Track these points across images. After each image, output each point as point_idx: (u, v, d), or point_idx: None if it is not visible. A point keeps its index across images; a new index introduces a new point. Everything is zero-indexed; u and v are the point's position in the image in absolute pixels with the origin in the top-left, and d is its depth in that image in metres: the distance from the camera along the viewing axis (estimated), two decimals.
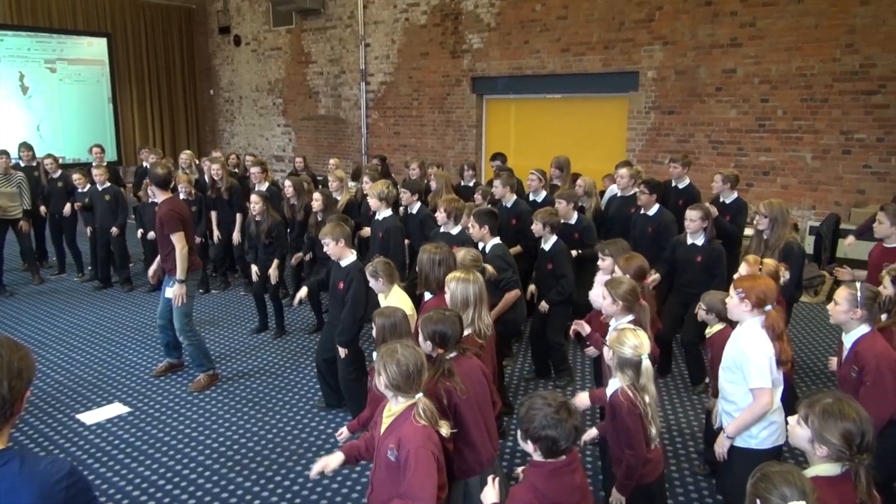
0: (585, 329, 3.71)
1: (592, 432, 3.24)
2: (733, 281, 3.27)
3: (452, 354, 2.90)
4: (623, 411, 2.77)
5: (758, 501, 1.93)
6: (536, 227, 5.06)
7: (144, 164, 8.60)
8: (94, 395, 5.17)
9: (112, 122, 14.14)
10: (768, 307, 3.07)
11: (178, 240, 4.92)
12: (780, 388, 3.10)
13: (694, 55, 8.88)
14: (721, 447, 3.12)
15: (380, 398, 2.85)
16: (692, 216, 5.00)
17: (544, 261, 5.12)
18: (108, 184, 7.71)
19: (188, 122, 15.60)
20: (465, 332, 3.24)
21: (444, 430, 2.53)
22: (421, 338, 2.91)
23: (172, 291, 4.99)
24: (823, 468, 2.14)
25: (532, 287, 5.38)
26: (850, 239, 5.84)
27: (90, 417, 4.80)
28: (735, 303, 3.12)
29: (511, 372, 5.56)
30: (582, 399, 3.27)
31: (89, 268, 8.47)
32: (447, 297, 3.41)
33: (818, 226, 8.06)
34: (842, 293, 3.16)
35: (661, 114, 9.32)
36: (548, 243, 5.06)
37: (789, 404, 3.03)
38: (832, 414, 2.10)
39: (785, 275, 3.89)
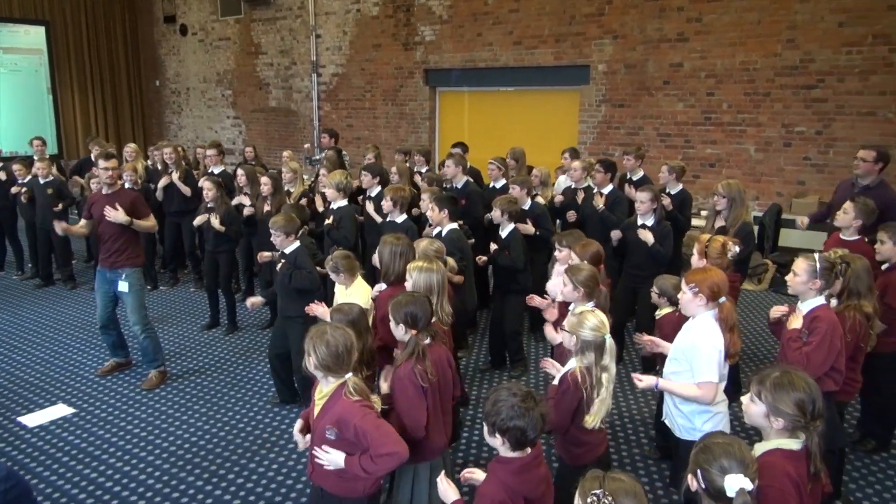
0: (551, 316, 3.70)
1: None
2: (684, 276, 3.22)
3: (427, 341, 2.90)
4: (565, 389, 2.83)
5: (699, 472, 1.98)
6: (495, 214, 5.11)
7: (93, 155, 8.28)
8: (36, 397, 4.99)
9: (52, 113, 13.59)
10: (722, 299, 3.06)
11: (150, 219, 5.20)
12: (724, 382, 3.13)
13: (643, 49, 9.04)
14: (646, 386, 3.13)
15: None
16: (642, 198, 5.09)
17: (501, 248, 5.16)
18: (50, 177, 7.42)
19: (133, 114, 15.10)
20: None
21: (377, 404, 2.62)
22: (393, 324, 2.91)
23: (116, 214, 4.87)
24: (784, 442, 2.20)
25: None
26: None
27: (32, 420, 4.64)
28: (689, 298, 3.07)
29: (466, 363, 5.59)
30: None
31: (29, 265, 8.16)
32: (408, 285, 3.39)
33: (761, 216, 8.34)
34: (801, 264, 3.22)
35: (612, 107, 9.47)
36: (505, 231, 5.10)
37: (734, 393, 3.11)
38: (783, 386, 2.18)
39: (733, 248, 3.90)
